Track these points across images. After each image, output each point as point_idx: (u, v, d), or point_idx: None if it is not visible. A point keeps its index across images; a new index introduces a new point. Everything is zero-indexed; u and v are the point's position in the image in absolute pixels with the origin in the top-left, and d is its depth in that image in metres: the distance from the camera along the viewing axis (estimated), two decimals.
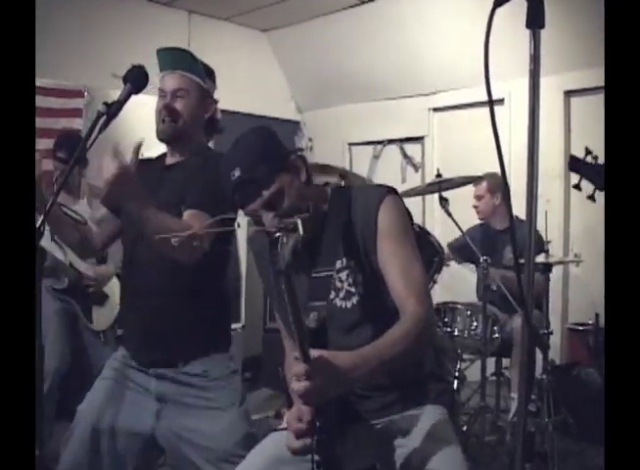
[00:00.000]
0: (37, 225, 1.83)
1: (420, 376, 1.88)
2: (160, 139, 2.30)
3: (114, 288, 3.98)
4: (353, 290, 1.81)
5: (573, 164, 2.27)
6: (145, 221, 1.93)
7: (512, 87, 5.10)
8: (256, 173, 1.75)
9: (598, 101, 4.47)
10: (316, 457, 1.55)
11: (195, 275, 2.17)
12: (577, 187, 2.28)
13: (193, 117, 2.31)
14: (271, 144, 1.83)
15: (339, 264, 1.82)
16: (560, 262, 4.05)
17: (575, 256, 4.15)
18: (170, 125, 2.27)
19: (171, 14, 6.13)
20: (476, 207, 4.40)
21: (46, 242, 2.67)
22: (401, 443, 1.79)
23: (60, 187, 1.90)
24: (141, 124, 4.23)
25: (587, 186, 2.27)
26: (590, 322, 4.53)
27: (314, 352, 1.44)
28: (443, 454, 1.69)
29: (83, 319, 3.83)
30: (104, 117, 1.92)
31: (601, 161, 2.16)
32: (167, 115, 2.26)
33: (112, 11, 5.60)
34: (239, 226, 6.12)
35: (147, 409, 2.24)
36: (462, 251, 4.44)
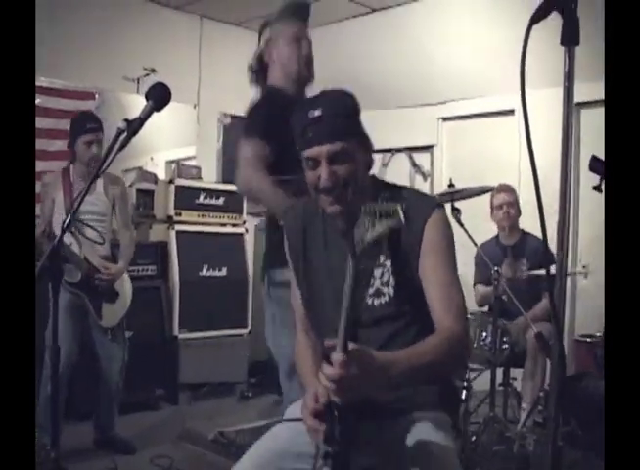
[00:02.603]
0: (65, 219, 1.91)
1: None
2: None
3: (125, 285, 3.96)
4: (385, 290, 1.79)
5: (594, 164, 2.19)
6: None
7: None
8: (337, 121, 1.73)
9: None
10: (327, 448, 1.47)
11: None
12: (598, 188, 2.17)
13: None
14: (356, 109, 1.82)
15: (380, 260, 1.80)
16: (568, 274, 4.03)
17: (584, 267, 4.11)
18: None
19: (183, 18, 6.15)
20: (507, 213, 4.36)
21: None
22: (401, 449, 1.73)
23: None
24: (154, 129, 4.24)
25: (594, 177, 2.17)
26: (598, 334, 4.50)
27: (351, 345, 1.40)
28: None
29: (93, 315, 3.78)
30: (124, 134, 1.91)
31: None
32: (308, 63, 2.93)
33: (124, 14, 5.62)
34: (247, 231, 6.01)
35: None
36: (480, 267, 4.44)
